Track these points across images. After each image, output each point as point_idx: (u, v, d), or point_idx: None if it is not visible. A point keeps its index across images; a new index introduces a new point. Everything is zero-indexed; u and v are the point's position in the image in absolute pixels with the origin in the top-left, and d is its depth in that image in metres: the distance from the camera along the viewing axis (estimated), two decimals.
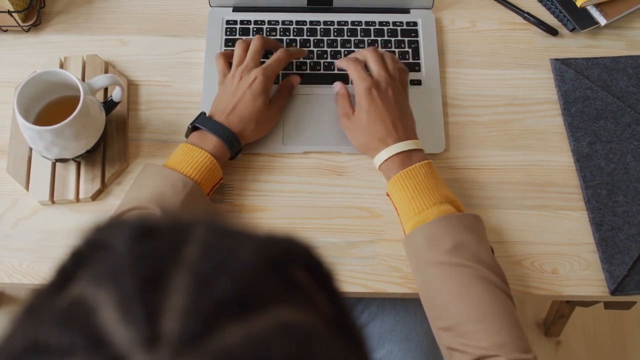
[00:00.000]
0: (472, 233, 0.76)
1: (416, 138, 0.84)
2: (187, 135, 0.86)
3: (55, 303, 0.32)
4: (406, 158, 0.81)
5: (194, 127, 0.84)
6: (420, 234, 0.77)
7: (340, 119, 0.88)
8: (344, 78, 0.92)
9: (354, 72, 0.86)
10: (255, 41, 0.89)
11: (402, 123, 0.83)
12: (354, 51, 0.95)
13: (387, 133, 0.82)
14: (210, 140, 0.82)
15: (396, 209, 0.82)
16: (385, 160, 0.82)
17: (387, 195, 0.83)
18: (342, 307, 0.37)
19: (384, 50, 0.92)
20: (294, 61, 0.94)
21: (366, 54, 0.88)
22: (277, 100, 0.89)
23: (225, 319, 0.29)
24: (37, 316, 0.31)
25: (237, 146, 0.84)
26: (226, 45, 0.95)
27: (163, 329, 0.28)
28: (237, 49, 0.89)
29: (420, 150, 0.83)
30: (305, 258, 0.36)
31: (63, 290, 0.32)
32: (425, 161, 0.81)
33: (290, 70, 0.94)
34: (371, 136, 0.83)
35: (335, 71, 0.94)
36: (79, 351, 0.28)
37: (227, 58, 0.90)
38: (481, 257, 0.74)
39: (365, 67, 0.87)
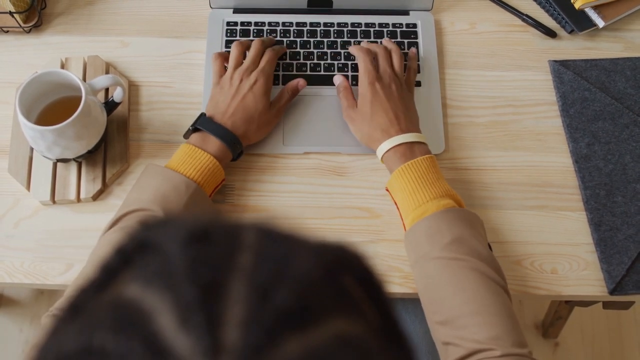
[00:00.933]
0: (470, 228, 0.77)
1: (419, 132, 0.85)
2: (186, 137, 0.86)
3: (103, 303, 0.31)
4: (408, 150, 0.82)
5: (194, 129, 0.84)
6: (420, 228, 0.77)
7: (343, 111, 0.89)
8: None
9: (361, 63, 0.88)
10: (255, 45, 0.90)
11: (405, 116, 0.84)
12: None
13: (390, 124, 0.83)
14: (213, 142, 0.82)
15: (396, 204, 0.82)
16: (388, 150, 0.82)
17: (387, 190, 0.84)
18: (391, 317, 0.37)
19: (395, 47, 0.92)
20: (295, 62, 0.95)
21: (377, 49, 0.90)
22: (278, 102, 0.89)
23: (285, 330, 0.29)
24: (86, 316, 0.30)
25: (239, 148, 0.84)
26: (226, 47, 0.96)
27: (225, 339, 0.28)
28: (235, 50, 0.89)
29: (424, 143, 0.84)
30: (357, 267, 0.36)
31: (108, 289, 0.32)
32: (428, 155, 0.82)
33: (290, 72, 0.94)
34: (374, 127, 0.84)
35: (336, 72, 0.94)
36: (137, 357, 0.27)
37: (224, 59, 0.91)
38: (479, 252, 0.75)
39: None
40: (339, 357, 0.29)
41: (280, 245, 0.33)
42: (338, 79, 0.92)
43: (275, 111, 0.88)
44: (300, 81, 0.92)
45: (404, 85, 0.88)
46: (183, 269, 0.30)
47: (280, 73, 0.94)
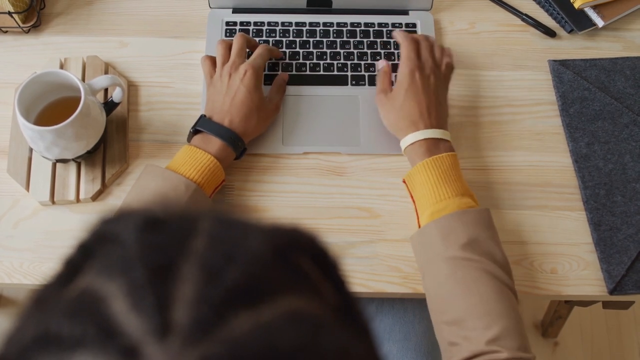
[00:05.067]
0: (487, 229, 0.77)
1: (447, 129, 0.85)
2: (189, 139, 0.86)
3: (64, 295, 0.32)
4: (433, 145, 0.82)
5: (195, 131, 0.84)
6: (436, 227, 0.77)
7: (377, 94, 0.88)
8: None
9: (404, 50, 0.87)
10: (237, 39, 0.89)
11: (436, 110, 0.84)
12: (353, 53, 0.95)
13: (420, 116, 0.83)
14: (214, 143, 0.82)
15: (412, 197, 0.82)
16: (413, 143, 0.82)
17: (404, 182, 0.83)
18: (348, 296, 0.37)
19: (434, 41, 0.92)
20: (294, 62, 0.95)
21: (420, 38, 0.89)
22: (274, 96, 0.89)
23: (234, 308, 0.30)
24: (46, 308, 0.31)
25: (242, 146, 0.84)
26: None
27: (174, 318, 0.29)
28: (220, 48, 0.89)
29: (448, 141, 0.83)
30: (311, 247, 0.36)
31: (71, 283, 0.33)
32: (452, 152, 0.82)
33: (290, 72, 0.94)
34: (403, 116, 0.84)
35: (335, 72, 0.94)
36: (90, 341, 0.28)
37: (213, 60, 0.90)
38: (493, 254, 0.75)
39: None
40: (289, 332, 0.30)
41: (234, 230, 0.34)
42: (382, 62, 0.92)
43: (272, 105, 0.88)
44: (284, 74, 0.92)
45: (442, 79, 0.87)
46: (137, 255, 0.31)
47: (280, 73, 0.94)
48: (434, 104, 0.84)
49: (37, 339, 0.29)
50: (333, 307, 0.35)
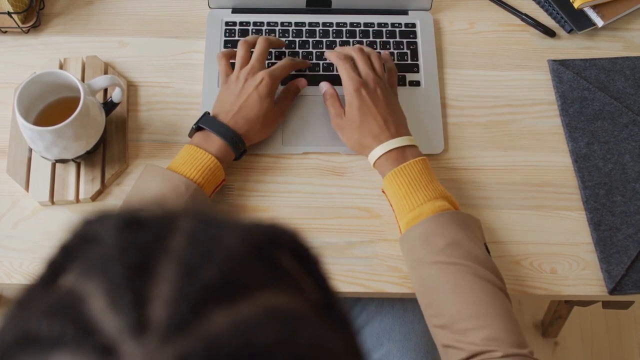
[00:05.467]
0: (465, 230, 0.76)
1: (409, 134, 0.84)
2: (190, 135, 0.86)
3: (46, 296, 0.32)
4: (400, 154, 0.82)
5: (198, 128, 0.84)
6: (414, 233, 0.77)
7: (332, 119, 0.88)
8: (336, 79, 0.92)
9: (343, 72, 0.87)
10: (260, 43, 0.89)
11: (393, 119, 0.84)
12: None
13: (380, 130, 0.83)
14: (215, 141, 0.82)
15: (391, 206, 0.82)
16: (380, 157, 0.82)
17: (383, 192, 0.83)
18: (328, 292, 0.38)
19: (369, 49, 0.92)
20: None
21: (353, 53, 0.89)
22: (282, 101, 0.89)
23: (211, 305, 0.30)
24: (27, 309, 0.32)
25: (242, 147, 0.84)
26: (225, 46, 0.96)
27: (151, 316, 0.29)
28: (240, 49, 0.89)
29: (414, 146, 0.83)
30: (291, 243, 0.37)
31: (53, 284, 0.33)
32: (420, 157, 0.82)
33: (290, 72, 0.94)
34: (364, 134, 0.84)
35: (334, 72, 0.94)
36: (68, 340, 0.29)
37: (229, 58, 0.90)
38: (475, 255, 0.75)
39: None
40: (268, 329, 0.30)
41: (213, 228, 0.34)
42: (324, 86, 0.91)
43: (278, 110, 0.88)
44: (302, 81, 0.92)
45: (388, 87, 0.87)
46: (115, 254, 0.32)
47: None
48: (389, 114, 0.84)
49: (17, 340, 0.30)
50: (313, 303, 0.35)
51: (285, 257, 0.35)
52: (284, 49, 0.96)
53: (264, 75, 0.85)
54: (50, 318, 0.30)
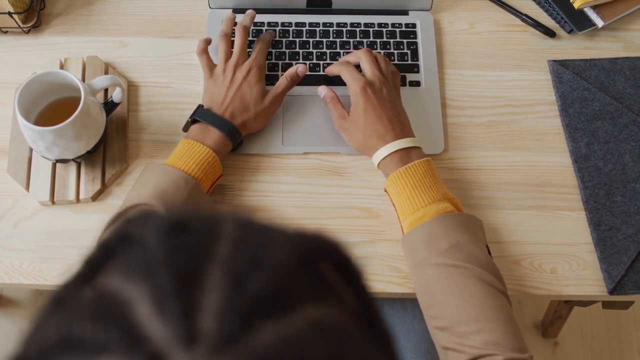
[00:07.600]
0: (468, 233, 0.76)
1: (413, 135, 0.85)
2: (185, 129, 0.86)
3: (85, 295, 0.31)
4: (405, 155, 0.82)
5: (193, 121, 0.84)
6: (417, 234, 0.77)
7: (335, 121, 0.88)
8: (336, 79, 0.92)
9: (346, 74, 0.87)
10: (239, 34, 0.90)
11: (398, 120, 0.84)
12: (351, 52, 0.95)
13: (385, 130, 0.83)
14: (212, 133, 0.83)
15: (394, 206, 0.82)
16: (385, 157, 0.82)
17: (385, 191, 0.83)
18: (370, 305, 0.37)
19: (377, 51, 0.92)
20: (294, 62, 0.95)
21: (360, 54, 0.89)
22: (276, 89, 0.88)
23: (261, 317, 0.29)
24: (67, 308, 0.31)
25: (239, 138, 0.85)
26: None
27: (200, 326, 0.28)
28: (222, 44, 0.89)
29: (419, 147, 0.83)
30: (334, 255, 0.36)
31: (91, 283, 0.32)
32: (425, 158, 0.82)
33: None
34: (369, 134, 0.84)
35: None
36: (115, 346, 0.28)
37: (207, 51, 0.90)
38: (477, 257, 0.75)
39: (357, 68, 0.88)
40: (315, 343, 0.29)
41: (258, 235, 0.33)
42: (322, 90, 0.90)
43: (272, 98, 0.88)
44: (300, 67, 0.90)
45: (393, 89, 0.87)
46: (161, 259, 0.31)
47: (280, 73, 0.94)
48: (395, 115, 0.84)
49: (59, 342, 0.29)
50: (355, 316, 0.34)
51: (328, 268, 0.35)
52: (284, 49, 0.96)
53: (250, 64, 0.87)
54: (94, 321, 0.29)
